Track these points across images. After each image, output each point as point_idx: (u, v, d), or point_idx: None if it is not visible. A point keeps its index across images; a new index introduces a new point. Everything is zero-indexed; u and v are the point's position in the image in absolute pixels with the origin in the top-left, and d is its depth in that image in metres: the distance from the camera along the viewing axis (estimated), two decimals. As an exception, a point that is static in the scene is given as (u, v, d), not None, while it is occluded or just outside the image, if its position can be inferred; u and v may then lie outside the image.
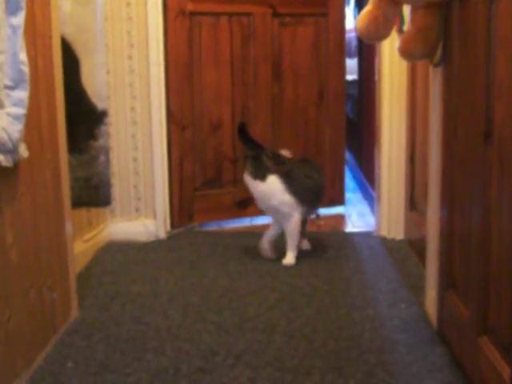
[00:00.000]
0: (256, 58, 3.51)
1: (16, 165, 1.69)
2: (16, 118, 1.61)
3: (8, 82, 1.59)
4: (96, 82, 2.91)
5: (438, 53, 2.00)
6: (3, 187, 1.68)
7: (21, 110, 1.63)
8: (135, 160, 3.26)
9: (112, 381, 1.81)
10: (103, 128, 2.98)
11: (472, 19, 1.68)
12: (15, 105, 1.61)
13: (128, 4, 3.14)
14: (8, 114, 1.59)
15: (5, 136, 1.56)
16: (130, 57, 3.18)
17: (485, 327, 1.62)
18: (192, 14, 3.31)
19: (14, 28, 1.60)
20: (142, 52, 3.17)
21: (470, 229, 1.71)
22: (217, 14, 3.39)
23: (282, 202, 2.77)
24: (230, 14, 3.42)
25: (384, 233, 3.25)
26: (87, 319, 2.24)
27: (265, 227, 3.38)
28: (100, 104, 2.95)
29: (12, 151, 1.62)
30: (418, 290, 2.43)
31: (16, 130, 1.61)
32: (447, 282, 1.99)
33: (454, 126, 1.88)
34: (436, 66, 2.05)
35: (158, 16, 3.17)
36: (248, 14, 3.46)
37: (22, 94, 1.63)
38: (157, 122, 3.23)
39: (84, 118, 2.90)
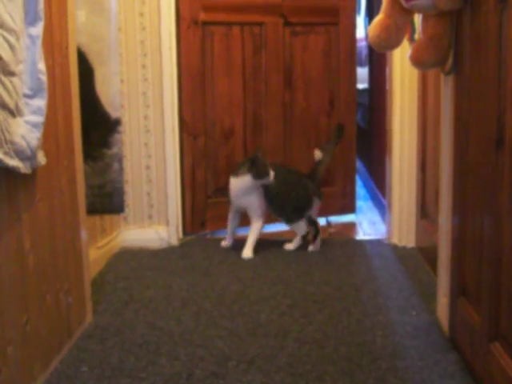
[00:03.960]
0: (267, 67, 3.54)
1: (34, 172, 1.73)
2: (34, 125, 1.64)
3: (27, 91, 1.63)
4: (110, 91, 2.95)
5: (450, 61, 2.02)
6: (22, 193, 1.72)
7: (39, 118, 1.66)
8: (148, 168, 3.30)
9: (126, 385, 1.84)
10: (117, 136, 3.01)
11: (483, 27, 1.70)
12: (34, 113, 1.65)
13: (141, 14, 3.19)
14: (27, 122, 1.62)
15: (24, 143, 1.60)
16: (144, 66, 3.22)
17: (497, 333, 1.63)
18: (204, 23, 3.35)
19: (32, 38, 1.64)
20: (155, 61, 3.21)
21: (482, 236, 1.73)
22: (229, 24, 3.42)
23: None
24: (242, 24, 3.45)
25: (395, 240, 3.26)
26: (101, 324, 2.27)
27: (275, 234, 3.41)
28: (114, 112, 2.98)
29: (30, 158, 1.65)
30: (429, 297, 2.44)
31: (34, 137, 1.64)
32: (459, 289, 2.00)
33: (465, 134, 1.90)
34: (447, 74, 2.07)
35: (171, 26, 3.21)
36: (260, 24, 3.49)
37: (41, 103, 1.67)
38: (169, 130, 3.27)
39: (98, 127, 2.94)
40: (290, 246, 3.20)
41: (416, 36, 2.16)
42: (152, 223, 3.34)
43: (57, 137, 1.98)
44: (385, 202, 3.50)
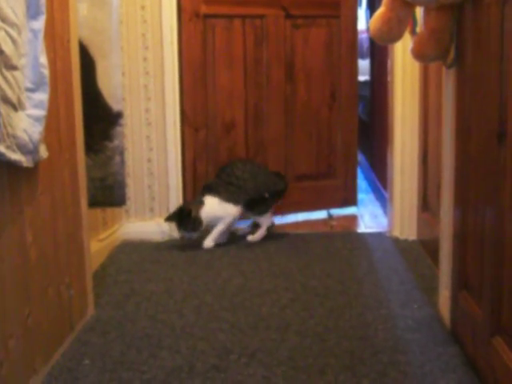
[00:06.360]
0: (269, 60, 3.53)
1: (36, 165, 1.73)
2: (36, 119, 1.64)
3: (29, 85, 1.63)
4: (111, 84, 2.95)
5: (451, 54, 2.01)
6: (24, 187, 1.72)
7: (41, 112, 1.66)
8: (150, 161, 3.30)
9: (128, 378, 1.84)
10: (118, 129, 3.01)
11: (485, 20, 1.70)
12: (36, 107, 1.65)
13: (143, 7, 3.18)
14: (29, 116, 1.62)
15: (26, 137, 1.60)
16: (145, 59, 3.22)
17: (498, 327, 1.63)
18: (206, 16, 3.34)
19: (34, 32, 1.64)
20: (156, 54, 3.21)
21: (484, 229, 1.73)
22: (230, 17, 3.41)
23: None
24: (243, 17, 3.44)
25: (396, 233, 3.26)
26: (103, 317, 2.28)
27: (277, 227, 3.40)
28: (115, 105, 2.98)
29: (32, 152, 1.65)
30: (430, 290, 2.44)
31: (36, 131, 1.64)
32: (460, 282, 2.00)
33: (467, 127, 1.90)
34: (449, 67, 2.07)
35: (173, 18, 3.21)
36: (261, 16, 3.48)
37: (43, 96, 1.67)
38: (171, 123, 3.27)
39: (99, 119, 2.93)
40: (253, 238, 3.20)
41: (418, 29, 2.15)
42: (153, 216, 3.35)
43: (59, 130, 1.98)
44: (386, 194, 3.50)
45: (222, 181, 3.20)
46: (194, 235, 3.12)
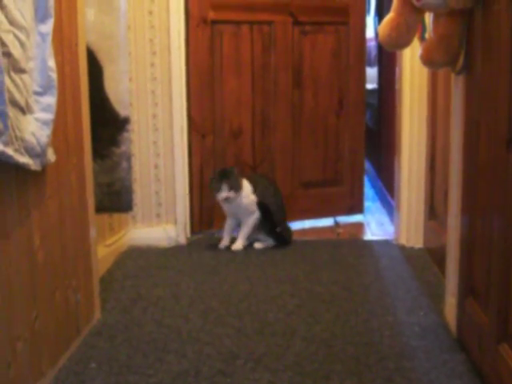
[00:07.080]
0: (276, 66, 3.54)
1: (44, 169, 1.74)
2: (44, 123, 1.65)
3: (37, 88, 1.64)
4: (119, 89, 2.95)
5: (461, 60, 2.01)
6: (31, 190, 1.72)
7: (49, 116, 1.67)
8: (157, 166, 3.30)
9: (134, 382, 1.84)
10: (125, 134, 3.01)
11: (495, 27, 1.69)
12: (44, 110, 1.66)
13: (151, 12, 3.19)
14: (37, 119, 1.63)
15: (34, 140, 1.60)
16: (153, 64, 3.23)
17: (505, 334, 1.62)
18: (213, 22, 3.35)
19: (42, 35, 1.65)
20: (164, 60, 3.22)
21: (491, 236, 1.72)
22: (238, 23, 3.43)
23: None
24: (251, 23, 3.45)
25: (403, 241, 3.25)
26: (109, 321, 2.28)
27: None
28: (122, 111, 2.99)
29: (40, 155, 1.66)
30: (436, 297, 2.43)
31: (44, 134, 1.65)
32: (467, 289, 1.99)
33: (475, 134, 1.89)
34: (458, 73, 2.06)
35: (180, 24, 3.22)
36: (269, 23, 3.49)
37: (51, 100, 1.68)
38: (178, 129, 3.27)
39: (107, 125, 2.94)
40: (259, 245, 3.24)
41: (427, 35, 2.15)
42: (160, 222, 3.35)
43: (66, 134, 1.99)
44: (393, 202, 3.49)
45: (253, 178, 3.26)
46: (223, 196, 3.10)
